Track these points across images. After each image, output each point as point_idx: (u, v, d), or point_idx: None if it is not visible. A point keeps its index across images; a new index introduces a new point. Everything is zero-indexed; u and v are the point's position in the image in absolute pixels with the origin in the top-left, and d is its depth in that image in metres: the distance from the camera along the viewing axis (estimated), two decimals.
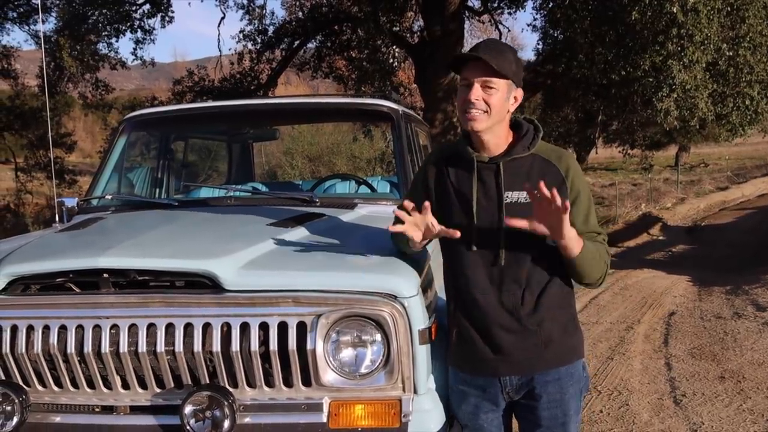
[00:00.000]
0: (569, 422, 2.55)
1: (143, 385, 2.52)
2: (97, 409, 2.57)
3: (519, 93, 2.49)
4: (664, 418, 5.06)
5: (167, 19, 16.62)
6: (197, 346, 2.43)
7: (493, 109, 2.40)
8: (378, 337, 2.46)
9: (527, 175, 2.44)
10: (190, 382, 2.49)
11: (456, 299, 2.60)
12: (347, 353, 2.48)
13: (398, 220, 2.50)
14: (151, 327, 2.46)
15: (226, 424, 2.38)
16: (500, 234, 2.43)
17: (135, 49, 16.68)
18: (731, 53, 10.68)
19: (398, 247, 2.69)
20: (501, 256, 2.43)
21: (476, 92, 2.39)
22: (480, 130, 2.43)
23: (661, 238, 18.31)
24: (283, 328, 2.42)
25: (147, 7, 16.33)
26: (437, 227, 2.43)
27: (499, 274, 2.45)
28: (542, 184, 2.19)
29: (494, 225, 2.44)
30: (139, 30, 16.40)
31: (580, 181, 2.49)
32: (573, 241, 2.33)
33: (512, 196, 2.43)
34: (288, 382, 2.48)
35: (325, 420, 2.45)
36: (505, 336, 2.47)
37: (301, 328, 2.42)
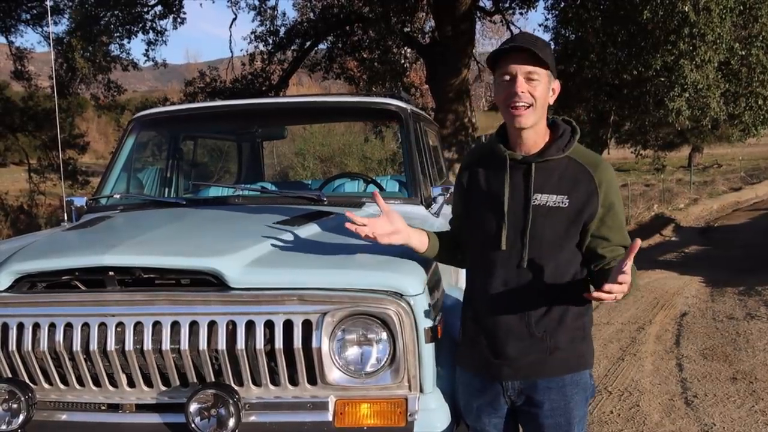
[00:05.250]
0: (573, 430, 2.52)
1: (149, 383, 2.52)
2: (102, 407, 2.58)
3: (556, 85, 2.45)
4: (675, 419, 5.03)
5: (179, 20, 16.65)
6: (202, 344, 2.42)
7: (538, 101, 2.35)
8: (384, 335, 2.44)
9: (559, 179, 2.40)
10: (195, 380, 2.49)
11: (471, 299, 2.57)
12: (353, 352, 2.47)
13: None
14: (156, 325, 2.46)
15: (231, 422, 2.38)
16: (525, 236, 2.38)
17: (147, 50, 16.76)
18: (744, 53, 10.62)
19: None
20: (524, 258, 2.39)
21: (521, 84, 2.33)
22: (527, 126, 2.38)
23: (673, 238, 18.18)
24: (288, 326, 2.42)
25: (159, 8, 16.38)
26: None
27: (519, 276, 2.41)
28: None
29: (521, 226, 2.40)
30: (151, 31, 16.44)
31: (614, 193, 2.42)
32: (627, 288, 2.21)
33: (541, 198, 2.38)
34: (293, 381, 2.47)
35: (330, 419, 2.45)
36: (511, 341, 2.43)
37: (307, 326, 2.42)
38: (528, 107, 2.34)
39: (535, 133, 2.42)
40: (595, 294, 2.18)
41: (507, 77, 2.36)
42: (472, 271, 2.57)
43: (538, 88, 2.35)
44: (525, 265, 2.39)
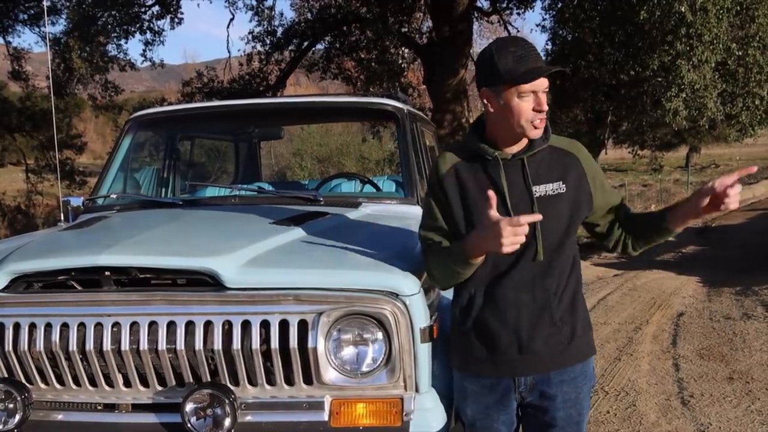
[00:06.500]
0: (583, 421, 2.53)
1: (145, 382, 2.52)
2: (99, 407, 2.57)
3: None
4: (672, 419, 5.03)
5: (176, 20, 16.67)
6: (198, 344, 2.42)
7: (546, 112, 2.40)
8: (379, 335, 2.45)
9: (548, 168, 2.44)
10: (191, 380, 2.48)
11: (484, 298, 2.47)
12: (349, 351, 2.47)
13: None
14: (152, 325, 2.46)
15: (227, 422, 2.38)
16: (537, 229, 2.38)
17: (144, 50, 16.76)
18: (741, 53, 10.65)
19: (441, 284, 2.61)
20: (540, 252, 2.39)
21: (544, 101, 2.36)
22: (540, 135, 2.42)
23: (671, 238, 18.17)
24: (284, 326, 2.42)
25: (156, 8, 16.39)
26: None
27: (534, 270, 2.41)
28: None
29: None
30: (148, 31, 16.45)
31: (595, 164, 2.54)
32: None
33: (540, 189, 2.41)
34: (289, 381, 2.47)
35: (326, 418, 2.45)
36: (534, 334, 2.42)
37: (303, 326, 2.42)
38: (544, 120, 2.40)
39: None
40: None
41: (532, 95, 2.34)
42: (482, 273, 2.46)
43: (546, 99, 2.38)
44: (541, 257, 2.40)
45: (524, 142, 2.46)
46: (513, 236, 2.17)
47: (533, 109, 2.34)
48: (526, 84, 2.32)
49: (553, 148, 2.48)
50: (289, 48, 17.32)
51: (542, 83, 2.34)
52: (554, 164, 2.45)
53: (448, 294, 2.97)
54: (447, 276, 2.48)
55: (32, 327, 2.51)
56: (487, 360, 2.50)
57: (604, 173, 2.60)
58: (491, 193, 2.23)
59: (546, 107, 2.35)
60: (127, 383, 2.53)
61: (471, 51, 16.11)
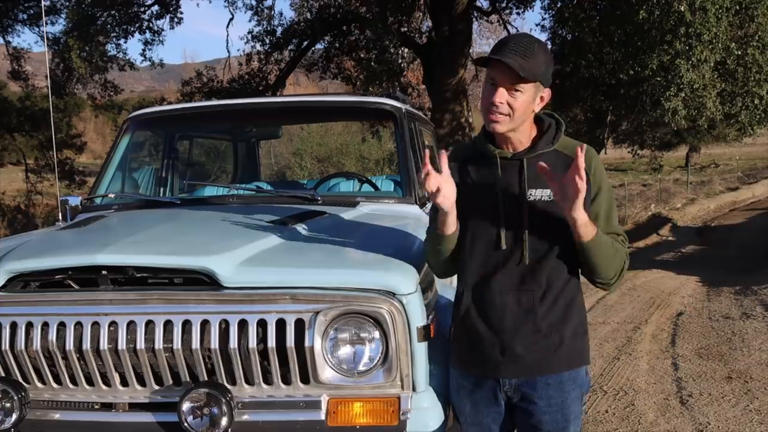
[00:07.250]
0: (569, 427, 2.51)
1: (142, 382, 2.51)
2: (96, 406, 2.57)
3: (546, 93, 2.42)
4: (670, 418, 5.03)
5: (176, 20, 16.70)
6: (195, 343, 2.42)
7: (516, 112, 2.33)
8: (376, 334, 2.44)
9: (551, 172, 2.40)
10: (188, 380, 2.48)
11: (471, 297, 2.50)
12: (345, 351, 2.47)
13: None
14: (149, 324, 2.46)
15: (224, 421, 2.38)
16: (525, 233, 2.38)
17: (144, 50, 16.77)
18: (740, 52, 10.66)
19: (433, 252, 2.61)
20: (525, 255, 2.39)
21: (501, 95, 2.31)
22: (501, 132, 2.38)
23: (670, 238, 18.21)
24: (281, 325, 2.42)
25: (155, 8, 16.40)
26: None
27: (522, 274, 2.40)
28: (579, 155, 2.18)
29: (519, 223, 2.39)
30: (147, 31, 16.48)
31: (603, 179, 2.44)
32: (586, 227, 2.29)
33: (535, 193, 2.39)
34: (286, 380, 2.47)
35: (323, 417, 2.45)
36: (518, 338, 2.42)
37: (300, 325, 2.41)
38: (505, 116, 2.34)
39: (519, 134, 2.42)
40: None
41: (491, 83, 2.35)
42: (470, 271, 2.52)
43: (520, 99, 2.33)
44: (527, 262, 2.39)
45: (527, 142, 2.45)
46: (428, 185, 2.32)
47: (490, 100, 2.33)
48: (486, 68, 2.36)
49: (560, 153, 2.43)
50: (289, 48, 17.34)
51: (501, 75, 2.31)
52: (557, 169, 2.38)
53: (447, 293, 2.98)
54: (432, 256, 2.60)
55: (29, 326, 2.50)
56: (473, 359, 2.52)
57: (613, 195, 2.50)
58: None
59: (498, 101, 2.31)
60: (124, 382, 2.52)
61: (471, 51, 16.11)
